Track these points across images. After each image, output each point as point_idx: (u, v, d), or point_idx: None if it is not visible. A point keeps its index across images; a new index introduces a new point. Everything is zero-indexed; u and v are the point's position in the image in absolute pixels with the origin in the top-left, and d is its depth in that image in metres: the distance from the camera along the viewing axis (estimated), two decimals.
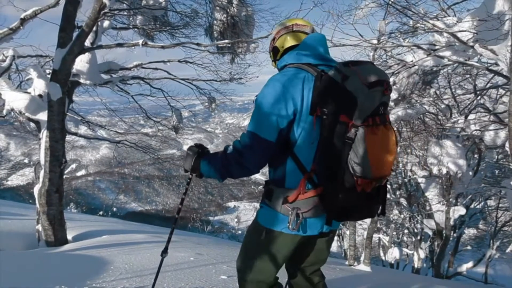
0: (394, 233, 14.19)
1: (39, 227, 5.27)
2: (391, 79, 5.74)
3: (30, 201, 22.10)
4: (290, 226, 1.40)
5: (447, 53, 3.46)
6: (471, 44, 3.36)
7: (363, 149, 1.27)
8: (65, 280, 2.59)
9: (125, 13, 6.67)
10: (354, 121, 1.29)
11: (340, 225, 15.79)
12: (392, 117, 5.64)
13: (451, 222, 8.01)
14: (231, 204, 73.21)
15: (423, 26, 3.63)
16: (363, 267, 5.72)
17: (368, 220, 6.19)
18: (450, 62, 3.51)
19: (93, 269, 3.08)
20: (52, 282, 2.48)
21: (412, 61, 4.03)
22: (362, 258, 5.98)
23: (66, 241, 5.32)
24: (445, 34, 3.56)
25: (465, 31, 3.17)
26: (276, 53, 1.66)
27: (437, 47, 3.54)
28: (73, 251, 4.30)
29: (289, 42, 1.60)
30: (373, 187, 1.34)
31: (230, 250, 5.44)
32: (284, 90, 1.39)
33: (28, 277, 2.72)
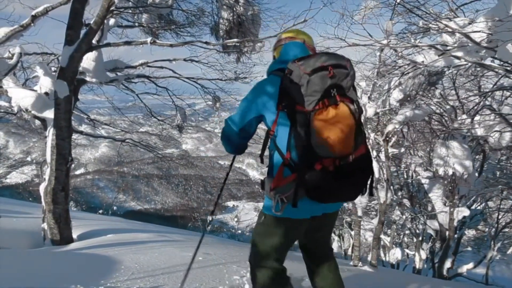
0: (395, 233, 14.19)
1: (45, 225, 5.23)
2: (398, 80, 5.73)
3: (30, 199, 22.03)
4: (273, 210, 1.57)
5: (459, 54, 3.44)
6: (485, 45, 3.35)
7: (314, 132, 1.44)
8: (78, 279, 2.57)
9: (131, 11, 6.64)
10: (307, 108, 1.46)
11: (344, 225, 15.78)
12: (400, 118, 5.64)
13: (455, 223, 8.00)
14: (230, 203, 73.24)
15: (435, 26, 3.61)
16: (370, 267, 5.71)
17: (375, 221, 6.20)
18: (463, 63, 3.50)
19: (104, 269, 3.05)
20: (67, 282, 2.45)
21: (423, 61, 4.01)
22: (369, 259, 5.98)
23: (71, 240, 5.29)
24: (457, 35, 3.55)
25: (480, 31, 3.16)
26: None
27: (449, 48, 3.52)
28: (80, 250, 4.27)
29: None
30: (339, 166, 1.48)
31: (236, 250, 5.42)
32: (257, 93, 1.69)
33: (41, 276, 2.70)
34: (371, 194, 1.66)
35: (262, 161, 1.80)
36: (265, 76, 1.82)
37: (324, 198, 1.56)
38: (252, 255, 1.82)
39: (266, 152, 1.76)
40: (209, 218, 2.19)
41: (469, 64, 3.42)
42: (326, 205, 1.65)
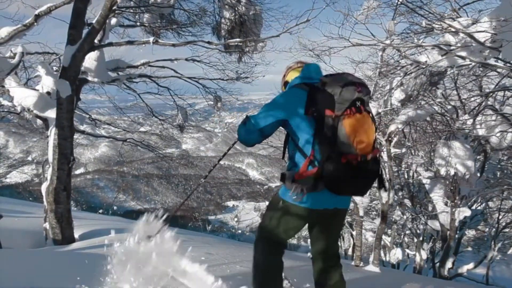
0: (396, 234, 14.19)
1: (47, 225, 5.23)
2: (400, 80, 5.73)
3: (30, 198, 22.01)
4: (291, 194, 1.86)
5: (463, 54, 3.44)
6: (489, 45, 3.34)
7: (344, 131, 1.74)
8: (83, 279, 2.56)
9: (132, 10, 6.64)
10: (336, 113, 1.77)
11: (345, 224, 15.81)
12: (402, 118, 5.64)
13: (456, 224, 7.99)
14: (230, 203, 73.27)
15: (439, 26, 3.61)
16: (372, 267, 5.70)
17: (377, 221, 6.19)
18: (467, 63, 3.50)
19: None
20: (71, 282, 2.45)
21: (426, 61, 4.01)
22: (371, 259, 5.98)
23: (73, 240, 5.28)
24: (461, 35, 3.54)
25: (484, 31, 3.15)
26: (286, 85, 2.25)
27: (453, 48, 3.52)
28: (83, 250, 4.26)
29: (295, 75, 2.16)
30: (360, 161, 1.77)
31: (238, 250, 5.41)
32: (285, 100, 1.99)
33: (46, 276, 2.69)
34: (384, 187, 2.06)
35: (283, 157, 2.15)
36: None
37: (341, 189, 1.84)
38: (262, 234, 2.09)
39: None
40: (202, 180, 2.52)
41: (473, 64, 3.42)
42: (338, 201, 1.94)
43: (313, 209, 1.91)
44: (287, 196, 1.93)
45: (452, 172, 6.04)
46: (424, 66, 4.17)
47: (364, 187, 1.91)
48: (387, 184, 2.26)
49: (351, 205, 10.48)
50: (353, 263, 7.47)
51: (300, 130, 1.91)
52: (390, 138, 5.87)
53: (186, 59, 6.82)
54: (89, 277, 2.68)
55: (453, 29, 3.48)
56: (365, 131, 1.79)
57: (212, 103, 8.26)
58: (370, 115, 1.86)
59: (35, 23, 4.07)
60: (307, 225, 2.10)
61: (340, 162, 1.74)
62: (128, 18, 7.07)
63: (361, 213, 6.64)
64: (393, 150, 6.01)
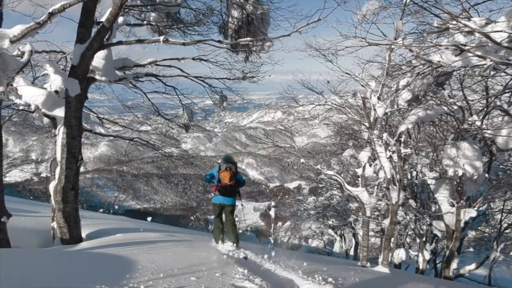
0: (398, 234, 14.16)
1: (54, 224, 5.20)
2: (411, 81, 5.71)
3: (31, 197, 21.91)
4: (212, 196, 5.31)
5: (480, 54, 3.41)
6: (506, 44, 3.32)
7: (220, 177, 5.26)
8: (101, 279, 2.53)
9: (139, 9, 6.61)
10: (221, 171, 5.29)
11: (349, 225, 15.71)
12: (412, 118, 5.62)
13: (462, 224, 7.96)
14: None
15: (455, 25, 3.59)
16: (382, 268, 5.68)
17: (386, 221, 6.17)
18: (482, 63, 3.47)
19: (123, 269, 3.02)
20: (90, 281, 2.42)
21: (439, 61, 3.99)
22: (380, 260, 5.96)
23: (81, 239, 5.25)
24: (477, 35, 3.52)
25: (501, 31, 3.13)
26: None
27: (471, 47, 3.50)
28: (92, 249, 4.23)
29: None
30: (225, 185, 5.15)
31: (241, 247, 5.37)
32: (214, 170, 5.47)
33: (64, 275, 2.66)
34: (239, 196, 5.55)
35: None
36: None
37: (221, 193, 5.13)
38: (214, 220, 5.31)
39: None
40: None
41: (489, 63, 3.40)
42: (223, 200, 5.13)
43: (217, 203, 5.12)
44: (213, 199, 5.19)
45: (460, 172, 6.01)
46: (436, 66, 4.14)
47: (229, 194, 5.13)
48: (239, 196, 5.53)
49: (356, 205, 10.49)
50: (359, 263, 7.45)
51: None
52: (400, 138, 5.84)
53: (193, 58, 6.78)
54: (106, 277, 2.66)
55: (468, 29, 3.46)
56: (225, 177, 5.05)
57: (217, 102, 8.22)
58: (231, 172, 5.10)
59: (49, 21, 4.03)
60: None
61: (221, 186, 5.10)
62: (134, 17, 7.03)
63: (368, 213, 6.61)
64: (403, 150, 5.98)
